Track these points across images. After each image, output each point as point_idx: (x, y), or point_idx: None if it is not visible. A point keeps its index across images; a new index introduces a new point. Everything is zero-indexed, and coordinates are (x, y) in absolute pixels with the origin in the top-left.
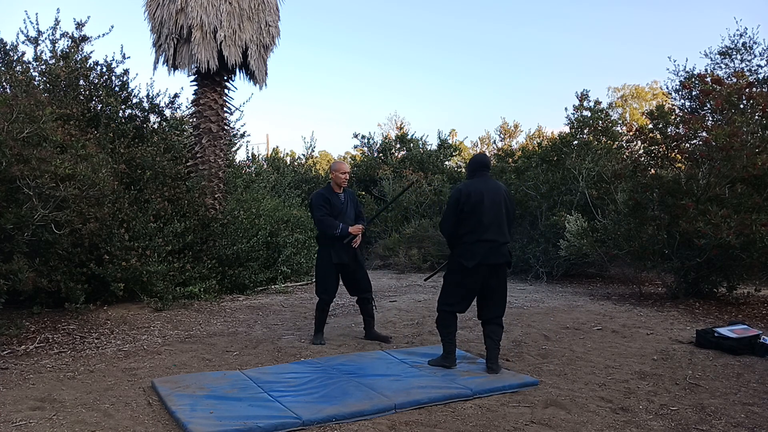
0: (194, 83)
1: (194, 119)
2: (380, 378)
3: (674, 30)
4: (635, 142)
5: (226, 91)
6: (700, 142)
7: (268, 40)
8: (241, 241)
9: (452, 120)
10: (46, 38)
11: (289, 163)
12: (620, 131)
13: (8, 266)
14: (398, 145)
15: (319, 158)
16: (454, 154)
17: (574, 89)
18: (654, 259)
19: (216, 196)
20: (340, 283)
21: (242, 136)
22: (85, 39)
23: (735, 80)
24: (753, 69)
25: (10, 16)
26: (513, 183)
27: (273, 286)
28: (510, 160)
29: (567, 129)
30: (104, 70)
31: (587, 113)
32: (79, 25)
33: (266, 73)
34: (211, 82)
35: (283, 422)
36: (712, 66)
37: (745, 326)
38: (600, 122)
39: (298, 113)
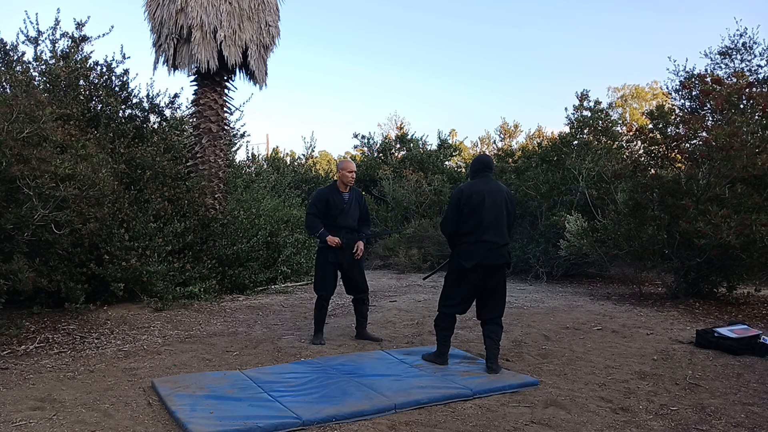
0: (194, 83)
1: (194, 119)
2: (380, 378)
3: (674, 30)
4: (635, 142)
5: (226, 91)
6: (700, 142)
7: (268, 40)
8: (241, 241)
9: (452, 120)
10: (46, 38)
11: (289, 163)
12: (620, 131)
13: (8, 266)
14: (398, 145)
15: (319, 158)
16: (454, 154)
17: (574, 89)
18: (654, 259)
19: (216, 196)
20: (340, 282)
21: (242, 136)
22: (85, 39)
23: (735, 80)
24: (753, 69)
25: (10, 16)
26: (513, 183)
27: (273, 286)
28: (510, 160)
29: (567, 129)
30: (104, 70)
31: (587, 113)
32: (79, 25)
33: (266, 73)
34: (211, 82)
35: (283, 422)
36: (712, 66)
37: (745, 326)
38: (600, 122)
39: (298, 113)
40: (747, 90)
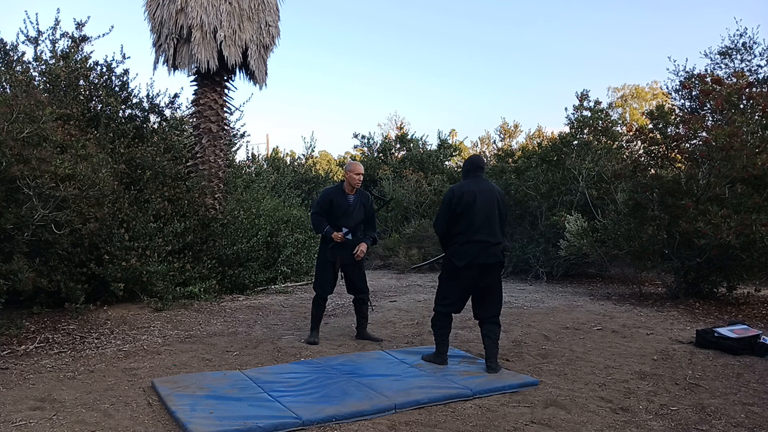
0: (194, 83)
1: (194, 119)
2: (380, 378)
3: (674, 30)
4: (635, 142)
5: (226, 91)
6: (700, 142)
7: (268, 40)
8: (241, 241)
9: (452, 120)
10: (46, 38)
11: (289, 163)
12: (620, 131)
13: (8, 266)
14: (398, 145)
15: (318, 158)
16: (454, 154)
17: (574, 89)
18: (654, 259)
19: (216, 196)
20: (340, 282)
21: (242, 136)
22: (85, 39)
23: (735, 80)
24: (753, 69)
25: (10, 16)
26: (513, 183)
27: (273, 286)
28: (510, 160)
29: (567, 129)
30: (104, 70)
31: (587, 113)
32: (79, 25)
33: (266, 73)
34: (211, 82)
35: (283, 422)
36: (712, 66)
37: (745, 326)
38: (600, 122)
39: (298, 113)
40: (747, 90)
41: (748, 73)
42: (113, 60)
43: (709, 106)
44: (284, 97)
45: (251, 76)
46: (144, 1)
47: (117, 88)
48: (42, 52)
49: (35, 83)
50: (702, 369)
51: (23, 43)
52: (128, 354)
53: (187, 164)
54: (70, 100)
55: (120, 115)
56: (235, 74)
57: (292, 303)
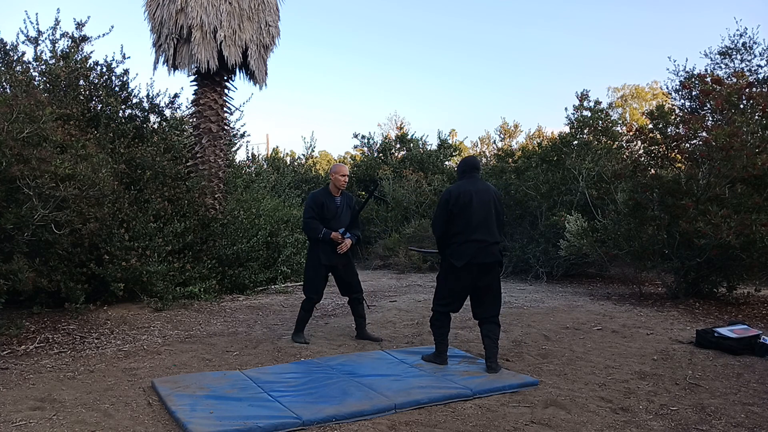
0: (194, 83)
1: (194, 119)
2: (380, 378)
3: (674, 30)
4: (635, 142)
5: (226, 91)
6: (700, 142)
7: (268, 40)
8: (241, 241)
9: (452, 120)
10: (46, 38)
11: (289, 163)
12: (620, 131)
13: (8, 266)
14: (398, 145)
15: (319, 158)
16: (454, 154)
17: (574, 89)
18: (654, 259)
19: (216, 196)
20: (330, 284)
21: (242, 136)
22: (85, 39)
23: (735, 80)
24: (753, 69)
25: (10, 16)
26: (513, 183)
27: (273, 286)
28: (510, 160)
29: (567, 129)
30: (104, 70)
31: (587, 113)
32: (79, 25)
33: (266, 73)
34: (211, 82)
35: (283, 422)
36: (712, 66)
37: (745, 326)
38: (600, 122)
39: (298, 113)
40: (747, 90)
41: (748, 73)
42: (113, 60)
43: (709, 106)
44: (284, 97)
45: (251, 76)
46: (144, 1)
47: (117, 88)
48: (42, 52)
49: (35, 83)
50: (702, 369)
51: (23, 43)
52: (128, 354)
53: (187, 164)
54: (70, 100)
55: (120, 115)
56: (235, 74)
57: (292, 303)
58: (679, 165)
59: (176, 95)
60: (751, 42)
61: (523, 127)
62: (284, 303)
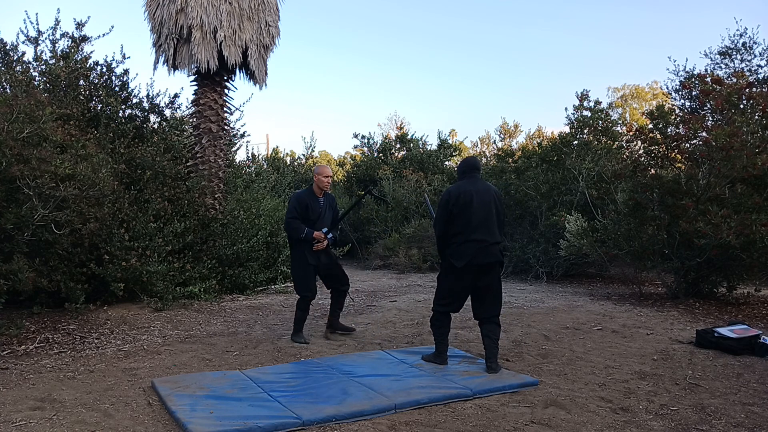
0: (194, 83)
1: (194, 119)
2: (380, 378)
3: (674, 30)
4: (635, 142)
5: (226, 91)
6: (700, 142)
7: (268, 40)
8: (241, 241)
9: (452, 120)
10: (46, 38)
11: (289, 163)
12: (620, 131)
13: (8, 266)
14: (398, 145)
15: (319, 158)
16: (454, 154)
17: (574, 89)
18: (654, 259)
19: (216, 196)
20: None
21: (242, 136)
22: (85, 39)
23: (735, 80)
24: (753, 69)
25: (10, 16)
26: (513, 183)
27: (273, 286)
28: (510, 160)
29: (567, 129)
30: (104, 70)
31: (587, 113)
32: (79, 25)
33: (266, 73)
34: (211, 82)
35: (283, 422)
36: (712, 66)
37: (745, 326)
38: (600, 122)
39: (298, 113)
40: (747, 90)
41: (748, 73)
42: (113, 60)
43: (709, 106)
44: (284, 97)
45: (251, 76)
46: (144, 1)
47: (117, 88)
48: (42, 52)
49: (35, 83)
50: (702, 369)
51: (23, 43)
52: (128, 354)
53: (187, 164)
54: (70, 100)
55: (120, 115)
56: (235, 74)
57: (292, 303)
58: (679, 165)
59: (176, 95)
60: (751, 42)
61: (523, 127)
62: (284, 303)
